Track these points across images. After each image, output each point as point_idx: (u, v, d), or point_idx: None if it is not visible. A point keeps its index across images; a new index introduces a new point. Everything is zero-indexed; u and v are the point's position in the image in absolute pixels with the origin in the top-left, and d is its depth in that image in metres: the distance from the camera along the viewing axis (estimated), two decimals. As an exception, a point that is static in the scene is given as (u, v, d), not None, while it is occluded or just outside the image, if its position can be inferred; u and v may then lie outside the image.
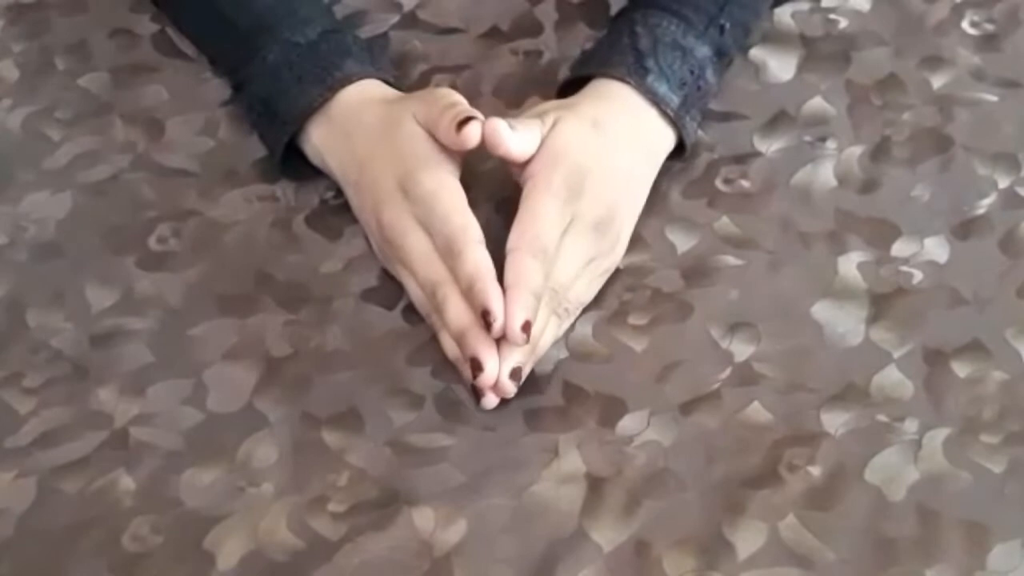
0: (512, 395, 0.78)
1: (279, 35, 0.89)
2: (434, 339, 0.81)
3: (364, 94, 0.87)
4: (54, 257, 0.88)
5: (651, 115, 0.86)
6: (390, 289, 0.84)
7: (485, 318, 0.76)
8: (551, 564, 0.73)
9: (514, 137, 0.81)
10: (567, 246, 0.80)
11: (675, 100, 0.86)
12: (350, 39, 0.91)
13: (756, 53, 0.96)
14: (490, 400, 0.78)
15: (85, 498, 0.76)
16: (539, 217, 0.80)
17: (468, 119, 0.81)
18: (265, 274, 0.86)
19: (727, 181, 0.89)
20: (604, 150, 0.83)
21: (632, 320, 0.82)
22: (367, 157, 0.84)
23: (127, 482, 0.77)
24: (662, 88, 0.86)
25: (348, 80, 0.87)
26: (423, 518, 0.75)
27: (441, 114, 0.82)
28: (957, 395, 0.78)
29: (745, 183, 0.89)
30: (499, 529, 0.74)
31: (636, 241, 0.86)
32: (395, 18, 1.00)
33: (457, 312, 0.79)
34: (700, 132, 0.91)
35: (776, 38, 0.97)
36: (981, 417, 0.77)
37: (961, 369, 0.79)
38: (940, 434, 0.77)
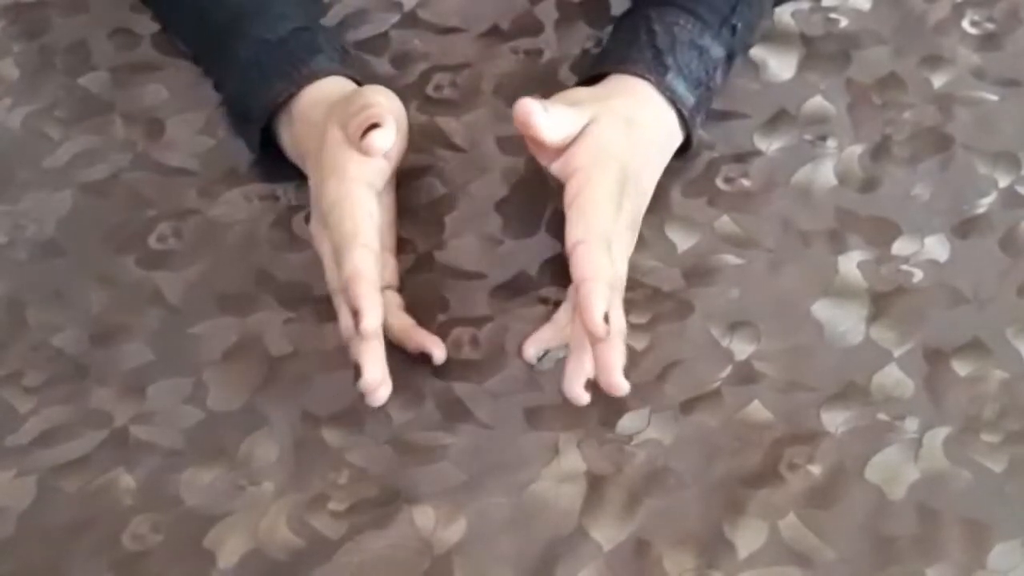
0: (626, 390, 0.76)
1: (251, 32, 0.89)
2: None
3: (322, 92, 0.86)
4: (54, 256, 0.88)
5: (668, 113, 0.86)
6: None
7: (355, 318, 0.75)
8: (551, 563, 0.73)
9: (547, 120, 0.80)
10: (614, 244, 0.79)
11: (691, 100, 0.86)
12: (321, 37, 0.90)
13: (756, 52, 0.96)
14: (375, 399, 0.77)
15: (85, 497, 0.76)
16: (601, 210, 0.79)
17: (373, 126, 0.79)
18: (265, 273, 0.86)
19: (727, 180, 0.89)
20: (637, 150, 0.83)
21: (632, 319, 0.82)
22: (310, 164, 0.84)
23: (127, 481, 0.77)
24: (680, 87, 0.86)
25: (314, 76, 0.86)
26: (423, 517, 0.75)
27: (351, 119, 0.81)
28: (957, 394, 0.78)
29: (746, 182, 0.89)
30: (499, 528, 0.74)
31: (636, 240, 0.86)
32: (395, 17, 1.00)
33: (344, 319, 0.78)
34: (701, 132, 0.91)
35: (776, 37, 0.97)
36: (981, 416, 0.77)
37: (961, 368, 0.79)
38: (940, 433, 0.77)
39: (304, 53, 0.88)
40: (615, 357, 0.75)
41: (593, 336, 0.74)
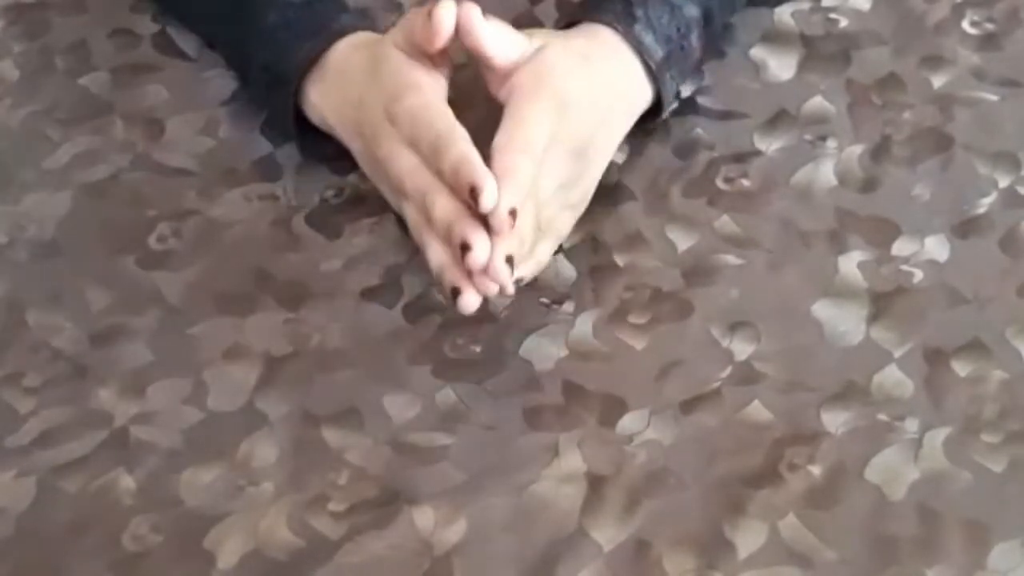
0: (508, 286, 0.76)
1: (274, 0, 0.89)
2: (434, 338, 0.82)
3: (354, 42, 0.87)
4: (54, 256, 0.88)
5: (634, 64, 0.86)
6: (390, 288, 0.84)
7: (472, 195, 0.75)
8: (551, 563, 0.73)
9: (487, 28, 0.81)
10: (545, 162, 0.79)
11: (659, 53, 0.86)
12: None
13: (756, 52, 0.96)
14: (469, 300, 0.76)
15: (85, 497, 0.76)
16: (528, 122, 0.79)
17: (437, 4, 0.80)
18: (265, 273, 0.86)
19: (727, 180, 0.89)
20: (589, 83, 0.83)
21: (632, 319, 0.82)
22: (358, 96, 0.84)
23: (127, 481, 0.77)
24: (647, 38, 0.86)
25: (343, 32, 0.87)
26: (423, 517, 0.75)
27: (414, 19, 0.81)
28: (957, 394, 0.78)
29: (745, 182, 0.89)
30: (499, 528, 0.74)
31: (636, 239, 0.86)
32: (395, 17, 0.99)
33: (444, 207, 0.77)
34: (698, 130, 0.91)
35: (776, 37, 0.97)
36: (981, 416, 0.77)
37: (961, 368, 0.79)
38: (940, 433, 0.77)
39: (331, 12, 0.89)
40: (499, 258, 0.75)
41: (493, 226, 0.75)
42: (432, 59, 0.82)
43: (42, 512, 0.76)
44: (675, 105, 0.90)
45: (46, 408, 0.80)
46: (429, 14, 0.80)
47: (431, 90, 0.81)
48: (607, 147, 0.86)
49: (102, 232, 0.88)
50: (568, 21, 0.89)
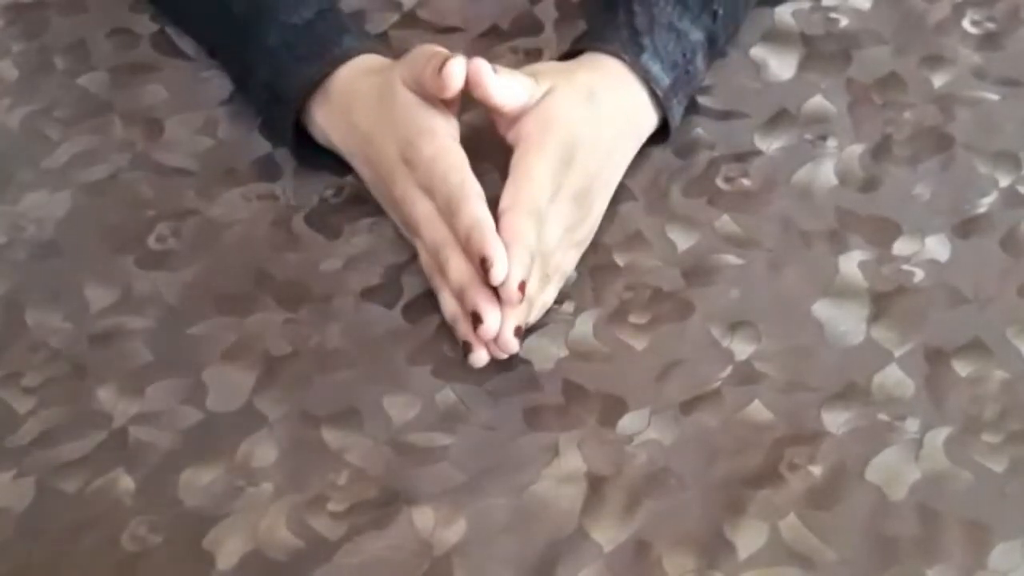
0: (516, 351, 0.78)
1: (276, 17, 0.89)
2: (434, 338, 0.82)
3: (359, 67, 0.87)
4: (53, 256, 0.88)
5: (641, 94, 0.87)
6: (390, 288, 0.84)
7: (484, 266, 0.76)
8: (551, 564, 0.72)
9: (496, 80, 0.81)
10: (551, 213, 0.80)
11: (666, 81, 0.87)
12: (345, 17, 0.91)
13: (757, 52, 0.96)
14: (480, 356, 0.78)
15: (84, 498, 0.76)
16: (534, 180, 0.80)
17: (448, 60, 0.80)
18: (264, 273, 0.86)
19: (728, 180, 0.89)
20: (596, 123, 0.83)
21: (632, 319, 0.82)
22: (369, 131, 0.84)
23: (126, 482, 0.77)
24: (655, 68, 0.86)
25: (346, 56, 0.87)
26: (423, 517, 0.74)
27: (424, 67, 0.81)
28: (958, 394, 0.78)
29: (746, 182, 0.89)
30: (499, 529, 0.74)
31: (636, 239, 0.86)
32: (395, 17, 0.99)
33: (458, 268, 0.79)
34: (699, 130, 0.91)
35: (776, 37, 0.97)
36: (982, 416, 0.77)
37: (962, 368, 0.79)
38: (941, 433, 0.76)
39: (333, 34, 0.89)
40: (509, 330, 0.77)
41: (503, 299, 0.77)
42: (444, 102, 0.83)
43: (41, 512, 0.76)
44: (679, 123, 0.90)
45: (45, 408, 0.80)
46: (440, 69, 0.80)
47: (446, 134, 0.82)
48: (612, 180, 0.86)
49: (101, 232, 0.88)
50: (573, 48, 0.89)
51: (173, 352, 0.82)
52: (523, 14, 0.99)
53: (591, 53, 0.87)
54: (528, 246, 0.78)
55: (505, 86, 0.81)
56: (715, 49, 0.91)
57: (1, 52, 1.00)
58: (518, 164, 0.81)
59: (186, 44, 0.99)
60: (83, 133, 0.94)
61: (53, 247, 0.88)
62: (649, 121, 0.88)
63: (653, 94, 0.87)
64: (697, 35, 0.89)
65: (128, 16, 1.01)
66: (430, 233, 0.80)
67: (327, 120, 0.87)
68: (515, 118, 0.82)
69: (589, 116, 0.83)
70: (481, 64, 0.80)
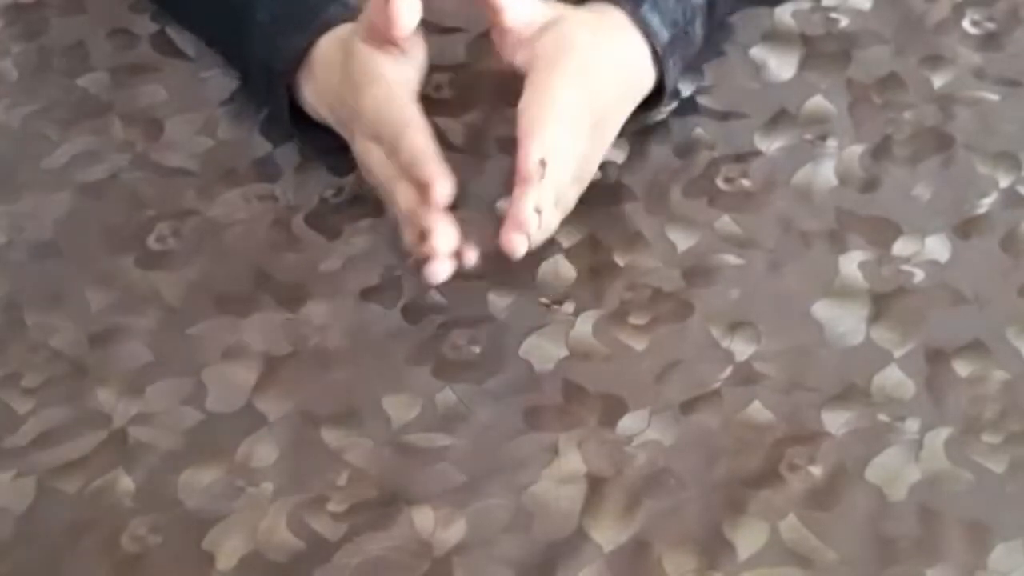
0: (534, 232, 0.78)
1: None
2: (434, 338, 0.82)
3: (339, 34, 0.86)
4: (53, 256, 0.88)
5: (640, 46, 0.86)
6: (390, 288, 0.84)
7: (426, 193, 0.76)
8: (551, 564, 0.72)
9: None
10: (572, 131, 0.80)
11: (664, 35, 0.87)
12: None
13: (757, 52, 0.96)
14: (438, 270, 0.77)
15: (84, 498, 0.76)
16: (555, 88, 0.80)
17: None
18: (264, 273, 0.86)
19: (728, 180, 0.89)
20: (603, 58, 0.83)
21: (632, 319, 0.82)
22: (342, 95, 0.84)
23: (126, 482, 0.77)
24: (654, 20, 0.86)
25: (330, 24, 0.87)
26: (423, 518, 0.74)
27: (374, 8, 0.81)
28: (958, 395, 0.78)
29: (746, 182, 0.89)
30: (499, 529, 0.74)
31: (636, 240, 0.86)
32: None
33: (404, 195, 0.79)
34: (699, 130, 0.91)
35: (776, 37, 0.97)
36: (982, 417, 0.77)
37: (962, 369, 0.79)
38: (941, 434, 0.76)
39: (320, 3, 0.88)
40: (528, 207, 0.77)
41: (520, 176, 0.76)
42: (401, 47, 0.82)
43: (41, 513, 0.76)
44: (675, 104, 0.90)
45: (45, 408, 0.80)
46: (386, 2, 0.79)
47: (394, 82, 0.81)
48: (616, 125, 0.86)
49: (101, 232, 0.88)
50: None
51: (173, 352, 0.82)
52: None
53: (593, 1, 0.87)
54: (547, 137, 0.77)
55: (519, 3, 0.81)
56: (714, 18, 0.91)
57: (1, 52, 1.00)
58: (536, 79, 0.80)
59: (186, 44, 0.99)
60: (83, 133, 0.94)
61: (53, 247, 0.88)
62: (647, 78, 0.87)
63: (652, 50, 0.86)
64: None
65: (128, 16, 1.01)
66: (382, 175, 0.80)
67: (314, 94, 0.87)
68: (524, 39, 0.82)
69: (598, 49, 0.83)
70: None
